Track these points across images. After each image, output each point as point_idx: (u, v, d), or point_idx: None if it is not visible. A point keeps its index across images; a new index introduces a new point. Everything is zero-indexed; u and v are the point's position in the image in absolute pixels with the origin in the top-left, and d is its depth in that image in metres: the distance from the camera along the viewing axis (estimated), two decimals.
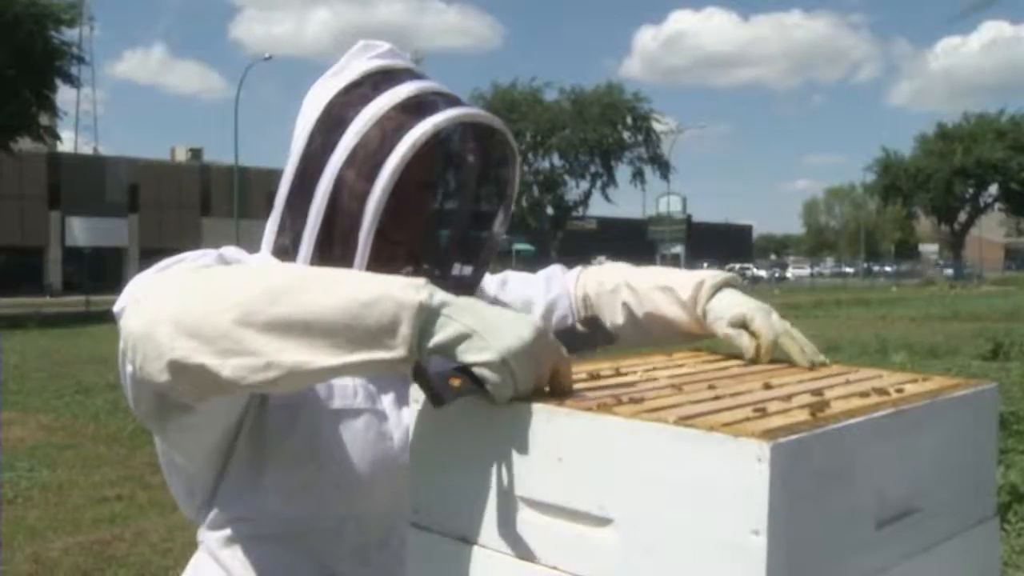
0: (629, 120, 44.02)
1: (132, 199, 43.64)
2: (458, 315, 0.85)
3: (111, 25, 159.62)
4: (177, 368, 0.87)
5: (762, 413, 0.81)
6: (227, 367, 0.86)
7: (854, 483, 0.81)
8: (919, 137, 59.96)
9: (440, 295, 0.86)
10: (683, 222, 37.76)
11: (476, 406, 0.88)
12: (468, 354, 0.84)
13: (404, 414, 1.09)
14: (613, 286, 1.33)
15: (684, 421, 0.76)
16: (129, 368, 0.95)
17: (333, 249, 1.08)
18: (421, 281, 0.86)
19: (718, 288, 1.21)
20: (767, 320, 1.15)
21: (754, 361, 1.13)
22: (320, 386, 1.09)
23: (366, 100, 1.08)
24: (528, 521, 0.85)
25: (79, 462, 6.60)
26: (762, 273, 58.48)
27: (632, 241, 42.59)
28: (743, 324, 1.16)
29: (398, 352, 0.83)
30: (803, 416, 0.80)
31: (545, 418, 0.83)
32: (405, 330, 0.83)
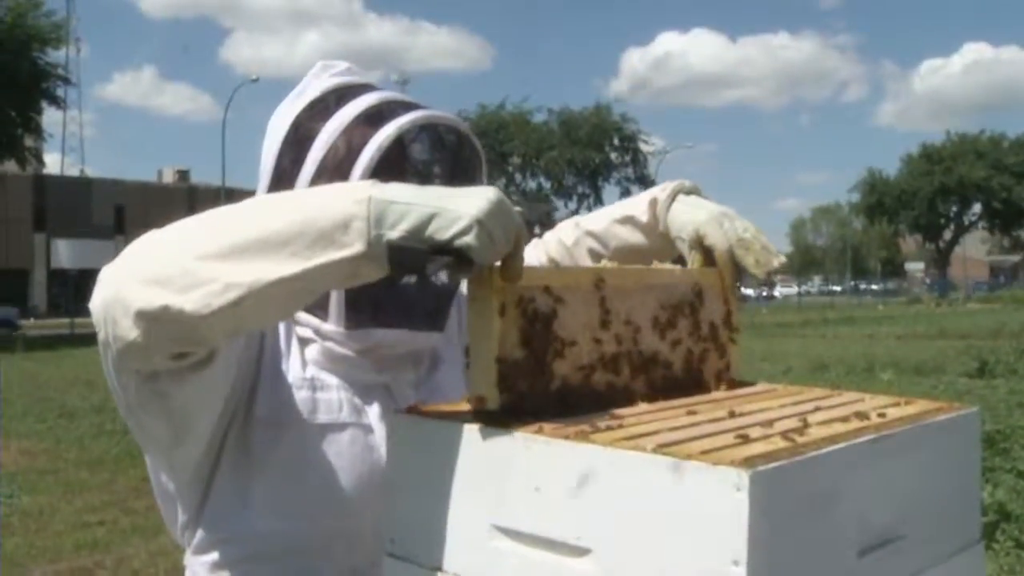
0: (616, 141, 44.30)
1: (118, 221, 43.44)
2: (416, 199, 0.85)
3: (101, 48, 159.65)
4: (143, 317, 0.86)
5: (744, 440, 0.80)
6: (189, 301, 0.85)
7: (836, 510, 0.80)
8: (904, 157, 60.57)
9: (391, 187, 0.86)
10: None
11: (452, 435, 0.87)
12: (441, 231, 0.83)
13: None
14: (573, 240, 1.34)
15: (662, 449, 0.75)
16: (109, 363, 0.93)
17: None
18: (369, 181, 0.88)
19: (673, 199, 1.23)
20: (719, 231, 1.15)
21: (722, 279, 1.13)
22: (305, 401, 1.09)
23: (330, 114, 1.10)
24: (505, 551, 0.83)
25: (61, 487, 6.52)
26: (749, 292, 58.57)
27: None
28: (700, 241, 1.16)
29: (355, 248, 0.83)
30: (783, 443, 0.79)
31: (523, 445, 0.82)
32: (359, 224, 0.83)
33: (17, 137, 26.39)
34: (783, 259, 1.14)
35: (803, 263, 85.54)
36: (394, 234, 0.84)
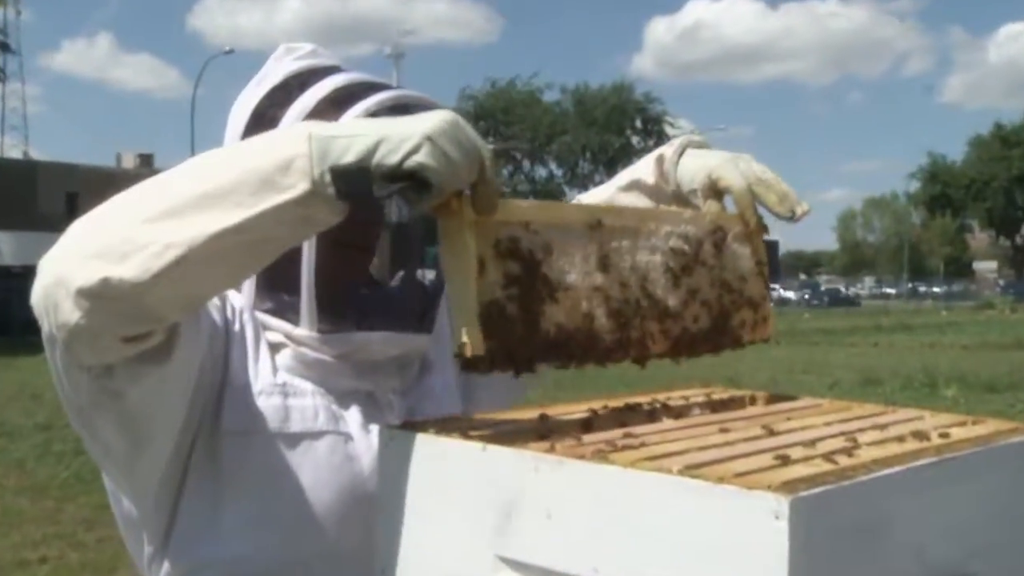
0: (639, 123, 44.38)
1: (70, 211, 43.48)
2: (359, 130, 0.89)
3: (48, 10, 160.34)
4: (84, 296, 0.88)
5: (783, 461, 0.80)
6: (128, 269, 0.87)
7: (891, 543, 0.80)
8: (973, 139, 60.37)
9: (330, 125, 0.91)
10: None
11: (451, 453, 0.87)
12: (390, 155, 0.86)
13: (372, 436, 1.10)
14: None
15: (690, 471, 0.75)
16: (57, 361, 0.95)
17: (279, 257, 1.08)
18: (309, 121, 0.92)
19: (681, 153, 1.26)
20: (735, 171, 1.18)
21: (745, 223, 1.16)
22: (276, 409, 1.11)
23: (292, 99, 1.14)
24: None
25: None
26: (791, 295, 58.67)
27: None
28: (714, 186, 1.19)
29: (300, 188, 0.87)
30: (828, 465, 0.79)
31: (532, 466, 0.82)
32: (301, 163, 0.87)
33: None
34: (807, 207, 1.17)
35: (852, 262, 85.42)
36: (341, 165, 0.87)
